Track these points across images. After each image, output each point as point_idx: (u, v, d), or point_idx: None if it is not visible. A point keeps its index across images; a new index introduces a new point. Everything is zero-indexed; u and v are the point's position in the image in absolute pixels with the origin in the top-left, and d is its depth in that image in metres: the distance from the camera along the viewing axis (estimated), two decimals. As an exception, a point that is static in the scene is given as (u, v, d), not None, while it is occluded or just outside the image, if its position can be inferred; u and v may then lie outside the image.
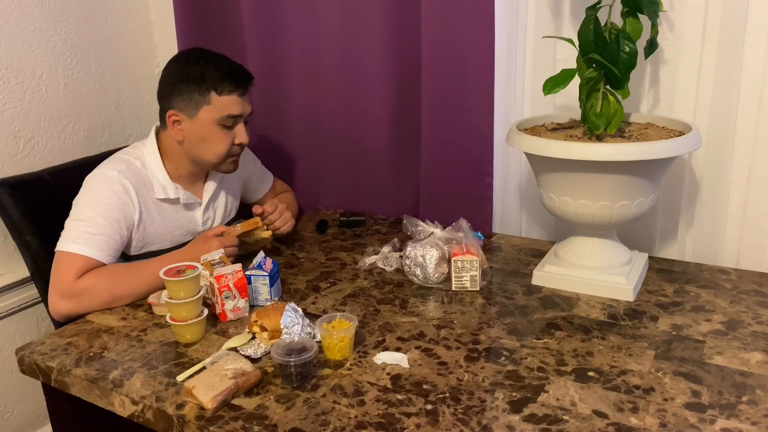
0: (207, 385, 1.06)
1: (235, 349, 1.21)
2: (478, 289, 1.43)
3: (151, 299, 1.39)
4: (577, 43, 1.33)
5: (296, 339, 1.17)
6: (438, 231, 1.49)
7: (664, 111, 1.53)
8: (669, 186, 1.56)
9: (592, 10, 1.29)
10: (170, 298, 1.26)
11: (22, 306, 1.82)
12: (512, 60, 1.64)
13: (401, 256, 1.51)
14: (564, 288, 1.42)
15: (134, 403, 1.10)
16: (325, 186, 2.02)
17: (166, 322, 1.29)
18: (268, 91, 1.96)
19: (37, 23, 1.80)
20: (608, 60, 1.28)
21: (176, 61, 1.56)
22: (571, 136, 1.39)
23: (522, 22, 1.61)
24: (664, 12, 1.40)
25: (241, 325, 1.32)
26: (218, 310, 1.34)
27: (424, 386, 1.10)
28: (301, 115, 1.96)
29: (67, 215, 1.47)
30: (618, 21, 1.32)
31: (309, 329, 1.24)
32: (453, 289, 1.44)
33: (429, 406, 1.04)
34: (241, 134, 1.55)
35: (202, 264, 1.35)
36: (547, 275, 1.45)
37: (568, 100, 1.54)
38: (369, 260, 1.59)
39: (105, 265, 1.43)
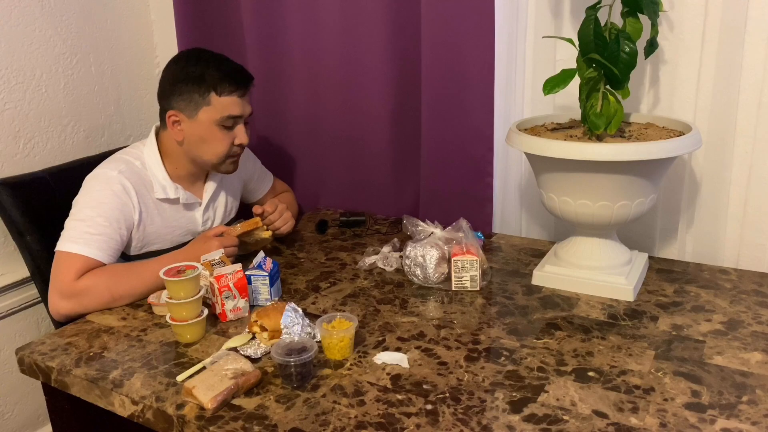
0: (207, 385, 1.06)
1: (235, 349, 1.21)
2: (478, 289, 1.43)
3: (151, 299, 1.39)
4: (577, 43, 1.33)
5: (296, 339, 1.17)
6: (438, 231, 1.49)
7: (664, 111, 1.53)
8: (669, 186, 1.56)
9: (592, 10, 1.29)
10: (170, 298, 1.26)
11: (22, 306, 1.82)
12: (512, 60, 1.64)
13: (401, 256, 1.51)
14: (564, 288, 1.42)
15: (134, 403, 1.10)
16: (325, 186, 2.02)
17: (166, 322, 1.29)
18: (268, 91, 1.96)
19: (37, 23, 1.80)
20: (608, 60, 1.28)
21: (176, 61, 1.56)
22: (571, 136, 1.39)
23: (522, 22, 1.61)
24: (664, 12, 1.40)
25: (241, 325, 1.32)
26: (218, 310, 1.34)
27: (424, 386, 1.10)
28: (301, 115, 1.96)
29: (67, 215, 1.47)
30: (618, 21, 1.32)
31: (309, 329, 1.24)
32: (453, 289, 1.44)
33: (429, 406, 1.04)
34: (240, 135, 1.55)
35: (202, 264, 1.35)
36: (547, 275, 1.45)
37: (568, 100, 1.54)
38: (369, 260, 1.59)
39: (105, 265, 1.43)
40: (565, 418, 1.00)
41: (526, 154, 1.37)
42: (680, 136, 1.31)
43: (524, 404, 1.04)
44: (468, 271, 1.42)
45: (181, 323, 1.25)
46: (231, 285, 1.32)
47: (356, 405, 1.05)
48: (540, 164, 1.37)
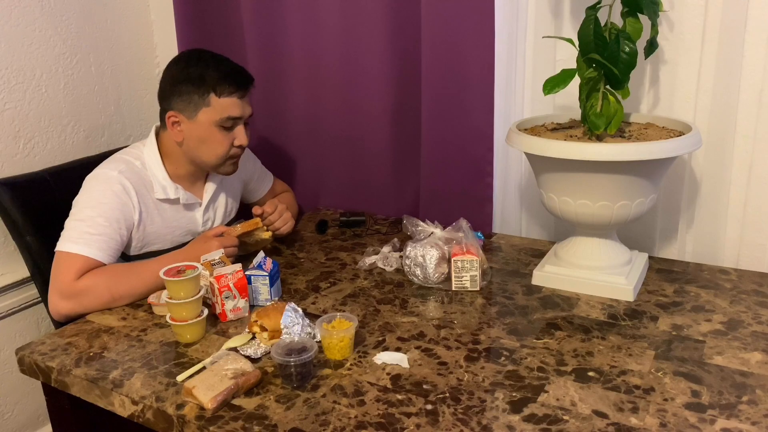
0: (207, 385, 1.06)
1: (235, 349, 1.21)
2: (478, 289, 1.43)
3: (151, 299, 1.39)
4: (577, 43, 1.33)
5: (296, 339, 1.17)
6: (438, 231, 1.49)
7: (664, 111, 1.53)
8: (669, 186, 1.56)
9: (592, 10, 1.29)
10: (170, 298, 1.26)
11: (22, 306, 1.82)
12: (512, 60, 1.64)
13: (401, 256, 1.51)
14: (564, 288, 1.42)
15: (134, 403, 1.10)
16: (325, 186, 2.02)
17: (166, 322, 1.29)
18: (268, 92, 1.96)
19: (37, 23, 1.80)
20: (608, 60, 1.28)
21: (176, 62, 1.56)
22: (571, 136, 1.39)
23: (522, 22, 1.61)
24: (664, 12, 1.40)
25: (241, 325, 1.32)
26: (218, 310, 1.34)
27: (424, 386, 1.10)
28: (301, 115, 1.96)
29: (67, 215, 1.47)
30: (618, 21, 1.32)
31: (309, 329, 1.24)
32: (453, 289, 1.44)
33: (429, 406, 1.04)
34: (240, 136, 1.55)
35: (202, 264, 1.35)
36: (547, 275, 1.45)
37: (568, 100, 1.54)
38: (369, 260, 1.59)
39: (105, 265, 1.43)
40: (565, 418, 1.00)
41: (526, 154, 1.37)
42: (680, 136, 1.31)
43: (524, 404, 1.04)
44: (468, 271, 1.42)
45: (181, 323, 1.25)
46: (231, 285, 1.32)
47: (356, 405, 1.05)
48: (540, 164, 1.37)
